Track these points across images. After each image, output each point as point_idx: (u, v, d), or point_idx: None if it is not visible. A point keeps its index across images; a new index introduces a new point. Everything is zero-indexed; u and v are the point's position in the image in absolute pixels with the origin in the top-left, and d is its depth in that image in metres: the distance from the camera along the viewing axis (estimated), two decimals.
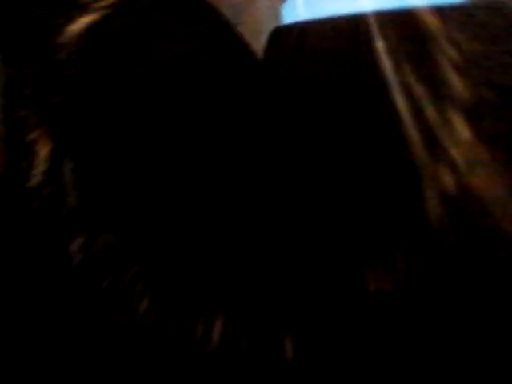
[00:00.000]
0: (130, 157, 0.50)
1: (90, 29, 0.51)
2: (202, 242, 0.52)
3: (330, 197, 0.63)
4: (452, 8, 0.73)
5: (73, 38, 0.51)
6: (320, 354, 0.54)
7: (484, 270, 0.59)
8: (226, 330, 0.50)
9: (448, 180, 0.58)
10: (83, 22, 0.51)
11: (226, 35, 0.60)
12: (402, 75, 0.66)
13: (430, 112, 0.65)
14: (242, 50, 0.60)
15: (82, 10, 0.52)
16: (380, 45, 0.68)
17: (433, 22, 0.69)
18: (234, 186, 0.55)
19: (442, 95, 0.63)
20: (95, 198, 0.49)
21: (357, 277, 0.60)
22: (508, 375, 0.55)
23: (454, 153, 0.59)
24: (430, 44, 0.66)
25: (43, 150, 0.49)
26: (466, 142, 0.60)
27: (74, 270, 0.48)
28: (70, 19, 0.51)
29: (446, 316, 0.58)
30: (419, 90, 0.65)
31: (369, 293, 0.58)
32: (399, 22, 0.69)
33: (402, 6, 0.71)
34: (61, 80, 0.51)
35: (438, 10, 0.73)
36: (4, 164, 0.54)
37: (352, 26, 0.78)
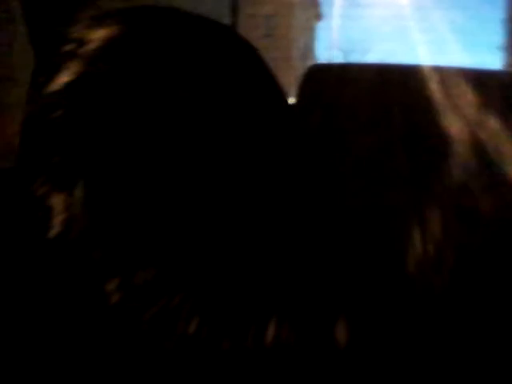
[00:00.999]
0: (145, 201, 0.48)
1: (77, 79, 0.49)
2: (239, 254, 0.50)
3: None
4: (493, 74, 0.84)
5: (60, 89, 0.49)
6: (371, 337, 0.54)
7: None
8: (280, 331, 0.49)
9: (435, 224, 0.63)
10: (71, 71, 0.49)
11: (259, 78, 0.56)
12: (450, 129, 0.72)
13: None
14: (273, 91, 0.57)
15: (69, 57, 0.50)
16: (429, 97, 0.73)
17: (470, 86, 0.77)
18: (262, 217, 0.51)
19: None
20: (123, 240, 0.48)
21: (395, 247, 0.63)
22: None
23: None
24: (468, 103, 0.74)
25: (58, 202, 0.48)
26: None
27: (114, 307, 0.47)
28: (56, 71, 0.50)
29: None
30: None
31: (408, 262, 0.60)
32: (446, 78, 0.74)
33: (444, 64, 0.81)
34: (57, 137, 0.49)
35: (479, 75, 0.82)
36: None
37: (396, 76, 0.82)
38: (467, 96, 0.79)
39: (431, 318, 0.58)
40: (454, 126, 0.77)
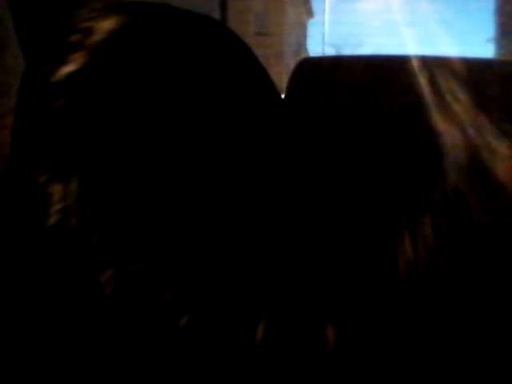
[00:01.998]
0: (141, 194, 0.49)
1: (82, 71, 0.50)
2: (233, 254, 0.51)
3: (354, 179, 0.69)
4: (487, 62, 0.84)
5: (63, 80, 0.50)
6: (361, 338, 0.54)
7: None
8: (269, 331, 0.49)
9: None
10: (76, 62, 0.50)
11: (250, 70, 0.57)
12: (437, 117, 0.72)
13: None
14: (263, 83, 0.57)
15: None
16: (420, 88, 0.73)
17: (464, 72, 0.77)
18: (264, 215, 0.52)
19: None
20: (117, 232, 0.48)
21: (387, 251, 0.62)
22: None
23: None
24: (460, 91, 0.73)
25: (57, 191, 0.48)
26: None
27: (108, 298, 0.48)
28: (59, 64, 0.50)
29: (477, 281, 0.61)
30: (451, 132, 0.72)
31: (399, 266, 0.60)
32: (440, 68, 0.73)
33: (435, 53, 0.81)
34: (59, 126, 0.50)
35: (473, 63, 0.82)
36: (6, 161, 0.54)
37: (386, 68, 0.82)
38: (458, 88, 0.79)
39: (422, 321, 0.59)
40: (445, 122, 0.77)
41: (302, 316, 0.53)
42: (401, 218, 0.69)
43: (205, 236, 0.51)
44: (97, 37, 0.52)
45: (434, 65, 0.80)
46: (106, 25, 0.53)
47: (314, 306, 0.54)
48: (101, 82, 0.51)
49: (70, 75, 0.50)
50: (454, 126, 0.76)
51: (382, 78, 0.87)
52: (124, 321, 0.48)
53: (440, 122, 0.76)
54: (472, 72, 0.82)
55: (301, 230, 0.57)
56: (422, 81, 0.81)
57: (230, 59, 0.57)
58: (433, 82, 0.79)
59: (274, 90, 0.59)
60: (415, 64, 0.83)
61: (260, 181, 0.54)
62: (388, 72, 0.88)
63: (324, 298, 0.55)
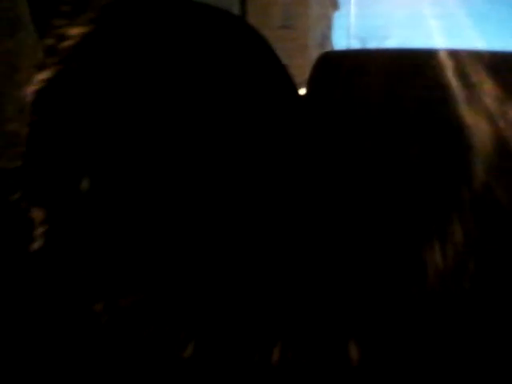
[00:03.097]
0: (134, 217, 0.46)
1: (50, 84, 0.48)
2: (241, 271, 0.48)
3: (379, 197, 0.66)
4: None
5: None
6: (385, 354, 0.51)
7: None
8: (285, 354, 0.47)
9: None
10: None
11: (267, 67, 0.55)
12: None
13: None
14: (283, 81, 0.55)
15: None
16: (449, 86, 0.70)
17: (494, 65, 0.73)
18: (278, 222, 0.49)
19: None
20: (106, 261, 0.46)
21: (415, 262, 0.59)
22: None
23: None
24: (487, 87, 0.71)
25: (38, 216, 0.47)
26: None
27: (105, 327, 0.46)
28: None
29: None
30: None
31: (429, 276, 0.56)
32: (468, 62, 0.71)
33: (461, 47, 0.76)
34: (36, 150, 0.48)
35: (499, 56, 0.78)
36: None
37: (410, 62, 0.78)
38: (486, 81, 0.75)
39: (451, 332, 0.56)
40: (474, 117, 0.73)
41: (323, 334, 0.51)
42: (429, 224, 0.65)
43: (209, 256, 0.48)
44: (70, 42, 0.50)
45: (462, 58, 0.78)
46: (80, 29, 0.50)
47: (336, 321, 0.52)
48: (71, 91, 0.48)
49: (43, 84, 0.49)
50: (484, 120, 0.73)
51: (408, 72, 0.83)
52: (123, 350, 0.46)
53: (469, 116, 0.73)
54: (502, 65, 0.80)
55: (321, 239, 0.54)
56: (449, 74, 0.78)
57: (247, 54, 0.55)
58: (460, 75, 0.77)
59: (291, 85, 0.57)
60: (442, 57, 0.80)
61: (275, 184, 0.51)
62: (414, 65, 0.84)
63: (346, 314, 0.53)
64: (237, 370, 0.47)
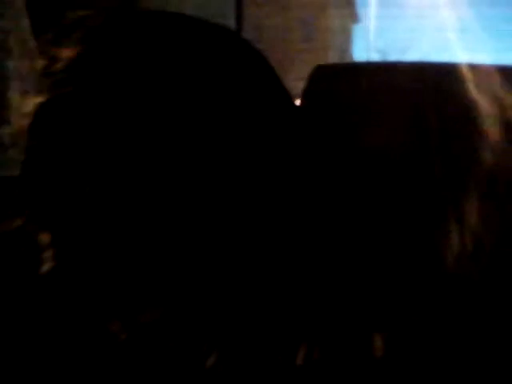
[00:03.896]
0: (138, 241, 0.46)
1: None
2: (257, 276, 0.48)
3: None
4: None
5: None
6: (411, 345, 0.52)
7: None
8: (311, 353, 0.47)
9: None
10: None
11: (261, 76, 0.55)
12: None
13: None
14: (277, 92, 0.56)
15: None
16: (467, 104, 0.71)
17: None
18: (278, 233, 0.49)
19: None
20: (119, 280, 0.46)
21: (433, 247, 0.62)
22: None
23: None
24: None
25: (45, 239, 0.47)
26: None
27: (124, 344, 0.46)
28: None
29: None
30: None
31: (447, 259, 0.59)
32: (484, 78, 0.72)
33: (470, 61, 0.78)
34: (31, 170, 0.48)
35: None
36: None
37: (405, 77, 0.80)
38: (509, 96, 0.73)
39: (473, 322, 0.54)
40: (493, 134, 0.72)
41: (347, 327, 0.50)
42: (446, 206, 0.65)
43: (221, 263, 0.48)
44: (59, 65, 0.49)
45: (476, 71, 0.76)
46: (69, 52, 0.50)
47: (359, 314, 0.52)
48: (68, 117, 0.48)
49: (36, 111, 0.48)
50: (506, 136, 0.71)
51: (400, 88, 0.82)
52: (143, 366, 0.46)
53: (485, 138, 0.71)
54: None
55: (332, 234, 0.54)
56: (439, 86, 0.77)
57: (242, 67, 0.55)
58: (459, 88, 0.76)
59: (287, 99, 0.58)
60: (443, 69, 0.80)
61: (271, 190, 0.51)
62: (406, 82, 0.83)
63: (369, 305, 0.53)
64: (262, 375, 0.47)
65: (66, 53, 0.49)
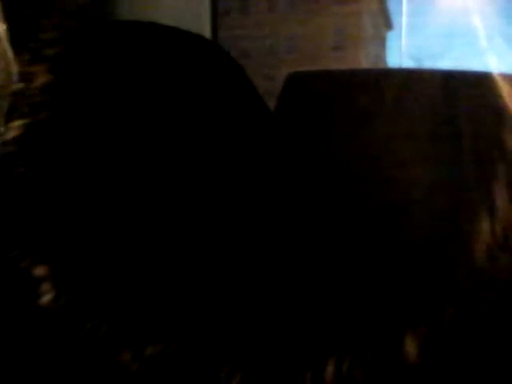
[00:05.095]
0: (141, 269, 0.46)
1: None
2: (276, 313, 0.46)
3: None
4: None
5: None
6: (446, 348, 0.49)
7: None
8: (340, 366, 0.45)
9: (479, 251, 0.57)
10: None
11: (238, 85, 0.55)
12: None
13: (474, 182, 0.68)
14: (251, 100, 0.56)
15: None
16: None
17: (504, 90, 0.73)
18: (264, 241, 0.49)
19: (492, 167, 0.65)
20: (123, 313, 0.45)
21: (463, 239, 0.60)
22: None
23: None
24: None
25: (42, 272, 0.46)
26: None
27: (136, 374, 0.44)
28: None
29: None
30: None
31: (477, 252, 0.56)
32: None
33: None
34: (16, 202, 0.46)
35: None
36: None
37: (369, 81, 0.80)
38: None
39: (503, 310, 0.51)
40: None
41: (377, 334, 0.49)
42: (476, 198, 0.64)
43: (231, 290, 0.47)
44: (35, 85, 0.48)
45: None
46: (42, 79, 0.49)
47: (388, 318, 0.50)
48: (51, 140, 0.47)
49: (17, 137, 0.47)
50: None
51: (366, 93, 0.83)
52: None
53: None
54: None
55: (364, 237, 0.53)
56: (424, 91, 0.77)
57: (215, 77, 0.55)
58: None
59: (263, 108, 0.58)
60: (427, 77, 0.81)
61: (250, 193, 0.50)
62: (371, 86, 0.84)
63: (399, 308, 0.51)
64: None
65: (42, 73, 0.49)
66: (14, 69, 0.53)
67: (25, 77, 0.50)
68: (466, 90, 0.85)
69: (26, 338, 0.48)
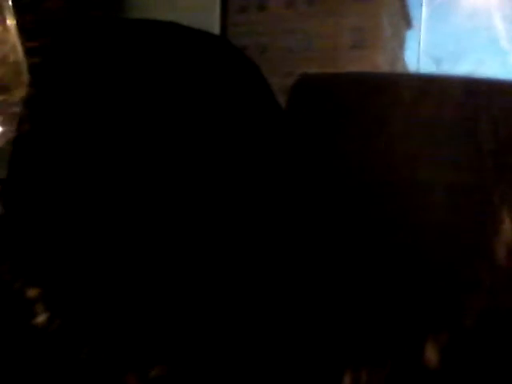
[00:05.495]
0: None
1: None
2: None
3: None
4: None
5: None
6: (467, 353, 0.49)
7: None
8: (358, 377, 0.45)
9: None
10: None
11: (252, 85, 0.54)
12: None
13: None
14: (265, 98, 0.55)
15: None
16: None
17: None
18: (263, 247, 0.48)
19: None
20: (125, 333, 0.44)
21: (483, 239, 0.59)
22: None
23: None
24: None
25: (34, 294, 0.45)
26: None
27: None
28: None
29: None
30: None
31: (498, 251, 0.56)
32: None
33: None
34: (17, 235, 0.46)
35: None
36: None
37: (382, 87, 0.79)
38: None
39: None
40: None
41: (396, 341, 0.47)
42: (498, 199, 0.62)
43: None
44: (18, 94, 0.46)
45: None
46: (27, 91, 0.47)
47: (408, 325, 0.48)
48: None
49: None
50: None
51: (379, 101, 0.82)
52: None
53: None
54: None
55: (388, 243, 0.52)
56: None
57: (226, 75, 0.54)
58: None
59: (274, 100, 0.57)
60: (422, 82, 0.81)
61: (259, 194, 0.50)
62: (380, 93, 0.83)
63: (420, 314, 0.49)
64: None
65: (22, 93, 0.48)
66: (24, 61, 0.52)
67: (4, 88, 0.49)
68: (488, 95, 0.83)
69: (25, 356, 0.47)
